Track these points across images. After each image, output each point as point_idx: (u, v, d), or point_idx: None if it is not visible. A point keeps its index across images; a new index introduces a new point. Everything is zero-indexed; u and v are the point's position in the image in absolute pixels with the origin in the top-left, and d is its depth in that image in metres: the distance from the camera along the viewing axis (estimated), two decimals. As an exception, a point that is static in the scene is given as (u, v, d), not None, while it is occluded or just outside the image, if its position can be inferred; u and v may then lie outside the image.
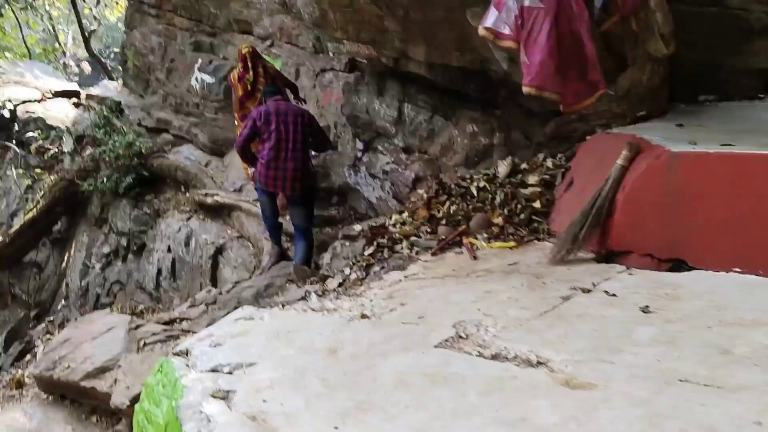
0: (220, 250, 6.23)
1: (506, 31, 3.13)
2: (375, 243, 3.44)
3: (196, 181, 7.17)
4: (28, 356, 6.49)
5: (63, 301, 8.12)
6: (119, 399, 3.73)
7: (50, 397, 4.64)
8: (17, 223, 8.86)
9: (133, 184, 7.72)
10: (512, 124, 4.48)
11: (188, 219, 6.87)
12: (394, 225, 3.59)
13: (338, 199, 6.25)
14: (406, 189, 5.21)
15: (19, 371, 6.28)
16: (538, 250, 3.27)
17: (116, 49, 19.33)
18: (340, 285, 3.21)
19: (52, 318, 7.58)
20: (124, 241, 7.78)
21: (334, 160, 6.33)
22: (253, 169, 5.66)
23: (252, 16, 8.43)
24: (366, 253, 3.41)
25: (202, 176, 7.22)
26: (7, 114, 9.87)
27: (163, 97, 9.65)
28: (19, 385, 5.77)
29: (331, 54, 7.45)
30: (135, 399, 3.66)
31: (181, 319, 5.07)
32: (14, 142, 9.33)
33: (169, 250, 6.87)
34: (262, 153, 5.24)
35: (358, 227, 3.66)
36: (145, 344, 4.55)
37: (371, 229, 3.54)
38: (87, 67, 18.22)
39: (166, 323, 5.03)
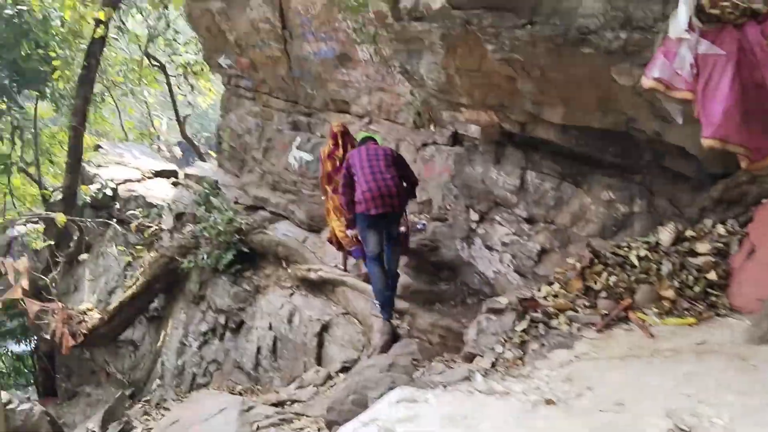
0: (325, 327, 5.95)
1: (679, 81, 2.82)
2: (527, 317, 3.08)
3: (298, 256, 7.00)
4: (128, 438, 6.29)
5: (158, 381, 7.96)
6: (241, 489, 3.39)
7: (159, 483, 4.37)
8: (116, 300, 8.88)
9: (234, 261, 7.63)
10: (656, 190, 4.10)
11: (291, 295, 6.66)
12: (545, 297, 3.23)
13: (448, 273, 5.92)
14: (530, 262, 4.85)
15: (118, 453, 6.07)
16: (724, 327, 2.84)
17: (206, 134, 20.07)
18: (493, 365, 2.85)
19: (148, 398, 7.40)
20: (222, 319, 7.62)
21: (443, 233, 6.05)
22: (350, 231, 6.03)
23: (349, 95, 8.46)
24: (518, 329, 3.05)
25: (303, 251, 7.06)
26: (109, 192, 10.13)
27: (260, 176, 9.72)
28: None
29: (432, 128, 7.33)
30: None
31: (292, 401, 4.77)
32: (115, 220, 9.50)
33: (270, 327, 6.65)
34: (358, 184, 5.58)
35: (504, 300, 3.31)
36: (258, 428, 4.25)
37: (521, 301, 3.19)
38: (178, 151, 18.86)
39: (275, 405, 4.73)
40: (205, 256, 7.81)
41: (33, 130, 12.69)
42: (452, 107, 4.97)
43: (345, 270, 6.61)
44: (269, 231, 7.90)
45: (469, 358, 3.16)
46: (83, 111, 10.11)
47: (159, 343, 8.43)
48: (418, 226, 6.77)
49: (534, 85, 3.92)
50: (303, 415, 4.46)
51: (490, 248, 5.29)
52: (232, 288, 7.65)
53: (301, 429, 4.20)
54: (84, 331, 8.46)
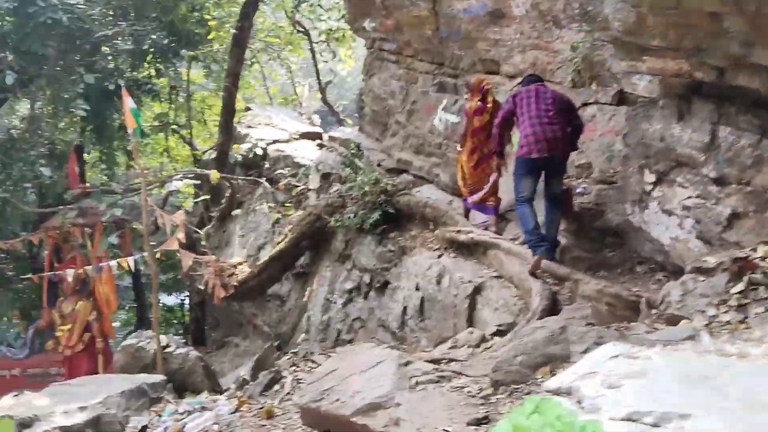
0: (477, 290, 5.73)
1: None
2: (744, 279, 2.71)
3: (446, 218, 6.81)
4: (277, 387, 6.40)
5: (303, 335, 8.10)
6: (412, 442, 3.25)
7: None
8: (265, 256, 9.12)
9: (379, 221, 7.56)
10: None
11: (439, 257, 6.49)
12: (763, 258, 2.83)
13: (614, 240, 5.51)
14: (717, 227, 4.36)
15: (268, 401, 6.19)
16: None
17: (344, 102, 20.30)
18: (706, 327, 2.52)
19: (295, 350, 7.53)
20: (366, 278, 7.60)
21: (610, 197, 5.63)
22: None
23: (500, 54, 8.09)
24: (734, 291, 2.69)
25: (452, 213, 6.85)
26: (259, 152, 10.42)
27: (404, 139, 9.59)
28: (270, 415, 5.61)
29: (594, 87, 6.86)
30: (431, 443, 3.18)
31: (448, 360, 4.59)
32: (264, 179, 9.75)
33: (417, 288, 6.53)
34: (521, 127, 5.62)
35: (712, 259, 2.95)
36: (417, 383, 4.11)
37: (734, 261, 2.81)
38: (317, 119, 19.21)
39: (431, 362, 4.57)
40: (351, 216, 7.80)
41: (186, 93, 13.31)
42: (634, 56, 4.53)
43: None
44: (415, 193, 7.77)
45: (673, 320, 2.83)
46: (236, 72, 10.42)
47: (305, 299, 8.58)
48: (578, 190, 6.36)
49: (744, 22, 3.44)
50: (461, 374, 4.27)
51: (668, 212, 4.83)
52: (377, 248, 7.60)
53: (462, 387, 4.02)
54: (234, 284, 8.77)
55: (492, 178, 6.69)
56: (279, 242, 8.65)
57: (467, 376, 4.24)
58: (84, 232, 9.57)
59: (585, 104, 6.97)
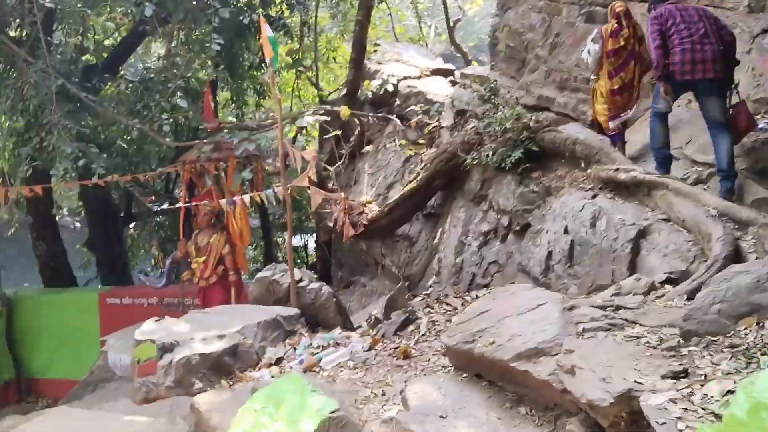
0: (642, 234, 5.12)
1: None
2: None
3: (601, 155, 6.16)
4: (411, 327, 6.13)
5: (434, 277, 7.78)
6: (594, 393, 2.81)
7: (464, 375, 4.00)
8: (394, 195, 8.83)
9: (521, 160, 7.02)
10: None
11: (593, 197, 5.89)
12: None
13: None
14: None
15: (403, 341, 5.94)
16: None
17: (470, 44, 19.50)
18: None
19: (428, 292, 7.23)
20: (504, 220, 7.13)
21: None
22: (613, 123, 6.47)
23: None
24: None
25: (608, 150, 6.20)
26: (390, 88, 10.04)
27: (545, 74, 8.89)
28: (407, 355, 5.33)
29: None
30: (621, 396, 2.73)
31: (616, 307, 4.08)
32: (395, 115, 9.38)
33: (565, 231, 5.97)
34: (673, 49, 5.40)
35: None
36: (584, 329, 3.64)
37: None
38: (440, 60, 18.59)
39: (599, 308, 4.08)
40: (490, 154, 7.30)
41: (313, 34, 13.08)
42: None
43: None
44: (561, 130, 7.12)
45: None
46: (369, 5, 10.04)
47: (435, 240, 8.24)
48: (760, 126, 5.55)
49: None
50: (635, 322, 3.76)
51: None
52: (518, 188, 7.08)
53: (638, 337, 3.52)
54: (364, 222, 8.55)
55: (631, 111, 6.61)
56: (410, 181, 8.31)
57: (642, 325, 3.72)
58: (219, 167, 9.65)
59: (765, 31, 6.11)
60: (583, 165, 6.43)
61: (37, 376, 11.97)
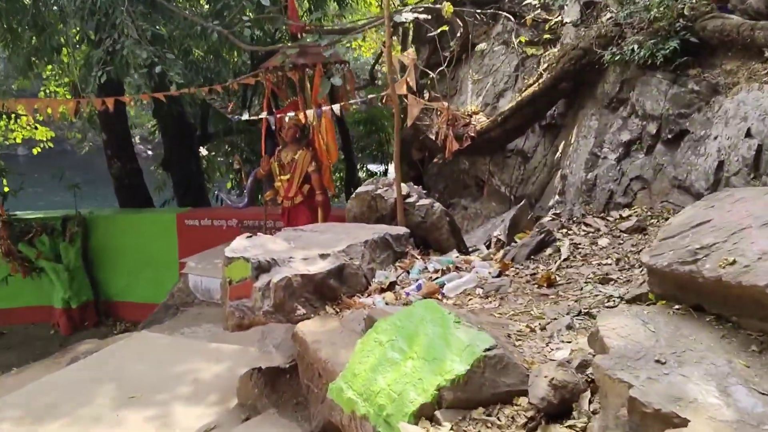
0: None
1: None
2: None
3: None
4: (549, 250, 5.17)
5: (557, 197, 6.74)
6: None
7: (676, 307, 3.01)
8: (505, 105, 7.73)
9: (675, 54, 5.79)
10: None
11: (787, 92, 4.68)
12: None
13: None
14: None
15: (540, 266, 5.00)
16: None
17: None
18: None
19: (558, 212, 6.21)
20: (652, 127, 5.98)
21: None
22: None
23: None
24: None
25: (805, 32, 4.92)
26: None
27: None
28: (550, 283, 4.40)
29: None
30: None
31: None
32: (505, 12, 8.18)
33: (748, 134, 4.81)
34: None
35: None
36: None
37: None
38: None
39: None
40: (635, 48, 6.08)
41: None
42: None
43: None
44: (730, 15, 5.82)
45: None
46: None
47: (557, 155, 7.16)
48: None
49: None
50: None
51: None
52: (671, 88, 5.89)
53: None
54: (472, 134, 7.52)
55: None
56: (529, 85, 7.18)
57: None
58: (305, 73, 8.73)
59: None
60: (766, 54, 5.17)
61: (115, 299, 11.72)
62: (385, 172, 16.64)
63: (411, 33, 10.29)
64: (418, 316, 3.53)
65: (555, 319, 3.79)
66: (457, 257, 5.50)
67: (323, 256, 4.94)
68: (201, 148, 13.84)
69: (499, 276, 4.88)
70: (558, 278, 4.56)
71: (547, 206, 6.97)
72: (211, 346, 6.22)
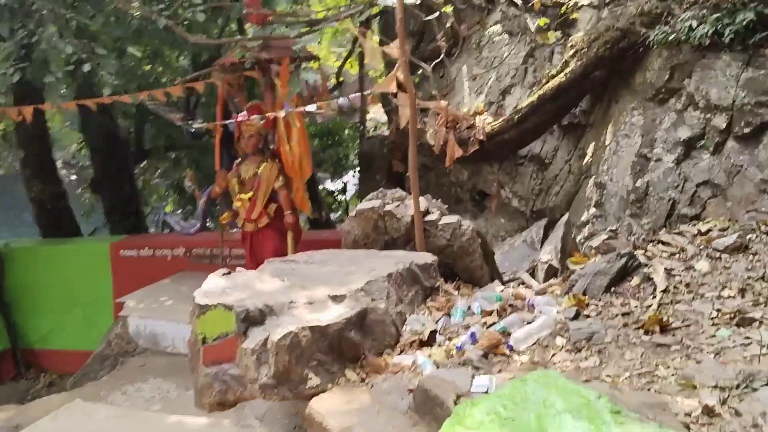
0: None
1: None
2: None
3: None
4: (635, 279, 3.98)
5: (593, 209, 5.60)
6: None
7: None
8: (512, 103, 6.58)
9: (747, 29, 4.75)
10: None
11: None
12: None
13: None
14: None
15: (632, 302, 3.79)
16: None
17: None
18: None
19: (614, 228, 5.03)
20: (720, 121, 4.95)
21: None
22: None
23: None
24: None
25: None
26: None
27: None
28: (663, 326, 3.22)
29: None
30: None
31: None
32: (507, -2, 7.07)
33: None
34: None
35: None
36: None
37: None
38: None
39: None
40: (693, 24, 5.03)
41: None
42: None
43: None
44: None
45: None
46: None
47: (587, 159, 6.03)
48: None
49: None
50: None
51: None
52: (744, 72, 4.85)
53: None
54: (481, 137, 6.31)
55: None
56: (552, 76, 6.03)
57: None
58: (270, 71, 7.33)
59: None
60: None
61: (38, 346, 9.91)
62: (344, 190, 15.33)
63: (386, 24, 9.06)
64: (536, 399, 2.24)
65: (717, 387, 2.57)
66: (503, 291, 4.24)
67: (336, 299, 3.59)
68: (137, 166, 12.21)
69: (576, 317, 3.64)
70: (671, 319, 3.35)
71: (580, 221, 5.81)
72: (169, 420, 4.73)
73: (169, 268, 9.04)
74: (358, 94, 6.91)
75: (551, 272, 4.49)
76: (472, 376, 3.08)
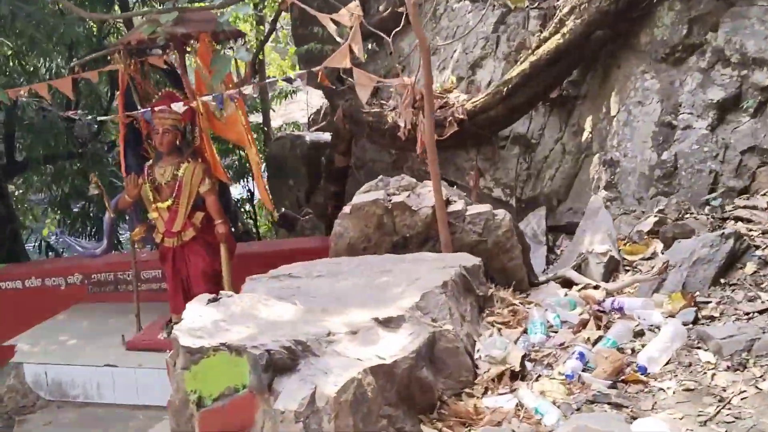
0: None
1: None
2: None
3: None
4: (749, 266, 3.19)
5: (603, 193, 4.82)
6: None
7: None
8: (486, 77, 5.73)
9: (784, -31, 4.13)
10: None
11: None
12: None
13: None
14: None
15: (762, 295, 2.97)
16: None
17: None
18: None
19: (661, 208, 4.24)
20: (761, 76, 4.27)
21: None
22: None
23: None
24: None
25: None
26: None
27: None
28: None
29: None
30: None
31: None
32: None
33: None
34: None
35: None
36: None
37: None
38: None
39: None
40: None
41: None
42: None
43: None
44: None
45: None
46: None
47: (586, 135, 5.26)
48: None
49: None
50: None
51: None
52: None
53: None
54: (460, 116, 5.40)
55: None
56: (544, 39, 5.21)
57: None
58: (182, 49, 6.01)
59: None
60: None
61: None
62: (251, 198, 13.95)
63: None
64: None
65: None
66: (566, 295, 3.33)
67: (387, 324, 2.53)
68: (8, 183, 10.32)
69: (696, 321, 2.78)
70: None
71: (585, 209, 5.01)
72: None
73: (64, 301, 7.52)
74: (302, 72, 5.79)
75: (612, 266, 3.63)
76: (630, 421, 2.13)
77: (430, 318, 2.64)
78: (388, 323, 2.53)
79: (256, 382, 2.27)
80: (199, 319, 2.58)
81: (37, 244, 10.56)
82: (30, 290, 7.79)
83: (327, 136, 11.49)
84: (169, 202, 5.93)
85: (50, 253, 10.11)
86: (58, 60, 9.59)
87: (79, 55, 8.86)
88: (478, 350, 2.73)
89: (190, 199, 5.96)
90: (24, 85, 7.47)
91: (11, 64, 7.66)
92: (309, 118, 16.65)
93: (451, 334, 2.59)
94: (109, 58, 6.33)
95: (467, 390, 2.54)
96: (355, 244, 3.80)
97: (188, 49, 6.15)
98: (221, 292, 2.90)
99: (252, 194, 13.89)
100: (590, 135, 5.26)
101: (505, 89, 5.21)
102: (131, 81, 6.23)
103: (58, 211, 10.39)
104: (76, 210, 10.32)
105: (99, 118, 6.68)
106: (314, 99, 15.85)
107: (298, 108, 17.36)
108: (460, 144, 5.78)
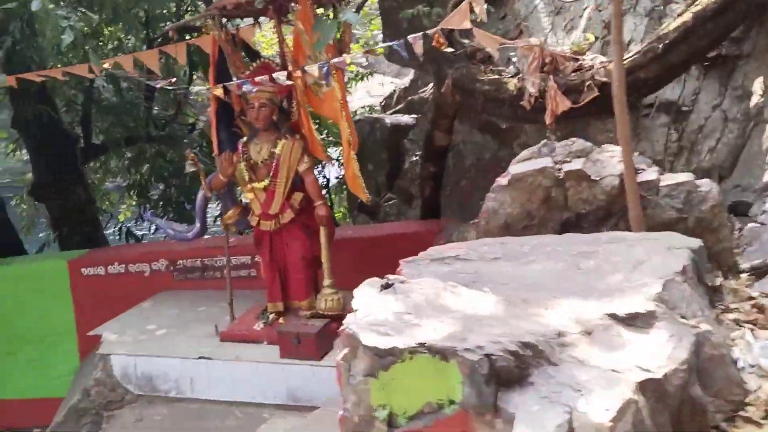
0: None
1: None
2: None
3: None
4: None
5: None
6: None
7: None
8: (629, 36, 4.99)
9: None
10: None
11: None
12: None
13: None
14: None
15: None
16: None
17: None
18: None
19: None
20: None
21: None
22: None
23: None
24: None
25: None
26: None
27: None
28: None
29: None
30: None
31: None
32: None
33: None
34: None
35: None
36: None
37: None
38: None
39: None
40: None
41: None
42: None
43: None
44: None
45: None
46: None
47: (756, 99, 4.49)
48: None
49: None
50: None
51: None
52: None
53: None
54: (602, 79, 4.69)
55: None
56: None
57: None
58: (282, 12, 5.43)
59: None
60: None
61: (-22, 398, 7.78)
62: (326, 184, 13.45)
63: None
64: None
65: None
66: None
67: (629, 321, 1.88)
68: (87, 166, 10.09)
69: None
70: None
71: (760, 184, 4.25)
72: None
73: (149, 287, 7.15)
74: (416, 36, 5.14)
75: None
76: None
77: (678, 315, 1.98)
78: (632, 321, 1.88)
79: (474, 398, 1.67)
80: (378, 311, 1.98)
81: (116, 229, 10.32)
82: (113, 277, 7.45)
83: (407, 119, 10.96)
84: (265, 182, 5.40)
85: (130, 240, 9.83)
86: (133, 40, 9.27)
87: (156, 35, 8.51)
88: (736, 358, 2.05)
89: (289, 179, 5.42)
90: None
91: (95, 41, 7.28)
92: (381, 103, 16.15)
93: (716, 338, 1.92)
94: (200, 24, 5.86)
95: (741, 413, 1.88)
96: (513, 222, 3.16)
97: (287, 16, 5.59)
98: (389, 276, 2.29)
99: (327, 180, 13.40)
100: (762, 99, 4.47)
101: (661, 45, 4.45)
102: (220, 53, 5.70)
103: (135, 196, 10.12)
104: (155, 195, 10.03)
105: (193, 89, 6.17)
106: (374, 86, 15.33)
107: (364, 92, 17.00)
108: (597, 112, 5.05)
